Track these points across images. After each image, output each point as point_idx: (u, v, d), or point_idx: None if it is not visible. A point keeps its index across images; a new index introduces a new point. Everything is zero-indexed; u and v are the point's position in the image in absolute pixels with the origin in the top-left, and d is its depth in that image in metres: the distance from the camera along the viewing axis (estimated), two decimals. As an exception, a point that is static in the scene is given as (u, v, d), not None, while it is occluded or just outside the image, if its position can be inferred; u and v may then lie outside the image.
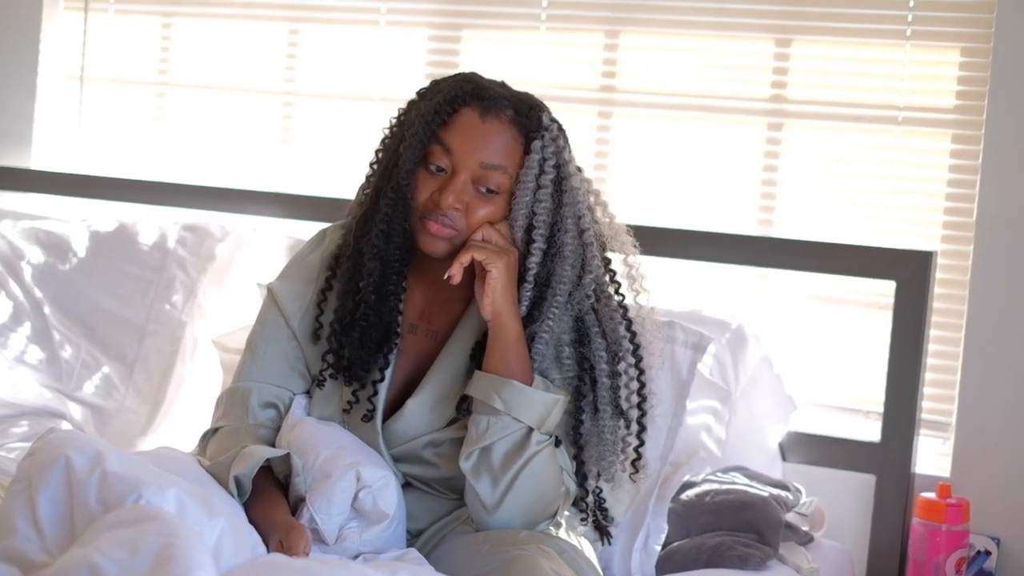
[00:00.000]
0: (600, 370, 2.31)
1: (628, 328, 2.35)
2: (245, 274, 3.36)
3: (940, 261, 3.10)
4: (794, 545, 2.80)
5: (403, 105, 2.40)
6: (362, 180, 2.44)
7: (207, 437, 2.41)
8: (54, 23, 3.91)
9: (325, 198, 3.44)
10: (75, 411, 3.12)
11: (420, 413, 2.34)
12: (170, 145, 3.88)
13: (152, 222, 3.45)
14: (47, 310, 3.27)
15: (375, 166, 2.39)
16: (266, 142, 3.80)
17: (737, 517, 2.68)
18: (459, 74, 2.38)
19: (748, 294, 3.30)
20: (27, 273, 3.32)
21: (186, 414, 3.22)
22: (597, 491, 2.41)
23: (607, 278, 2.37)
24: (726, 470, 2.88)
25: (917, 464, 3.03)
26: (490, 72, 3.46)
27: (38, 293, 3.29)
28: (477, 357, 2.33)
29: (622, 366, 2.34)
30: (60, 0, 3.93)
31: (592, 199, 2.36)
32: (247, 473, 2.17)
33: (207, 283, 3.33)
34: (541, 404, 2.23)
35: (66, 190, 3.75)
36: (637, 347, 2.36)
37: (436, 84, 2.36)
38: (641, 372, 2.36)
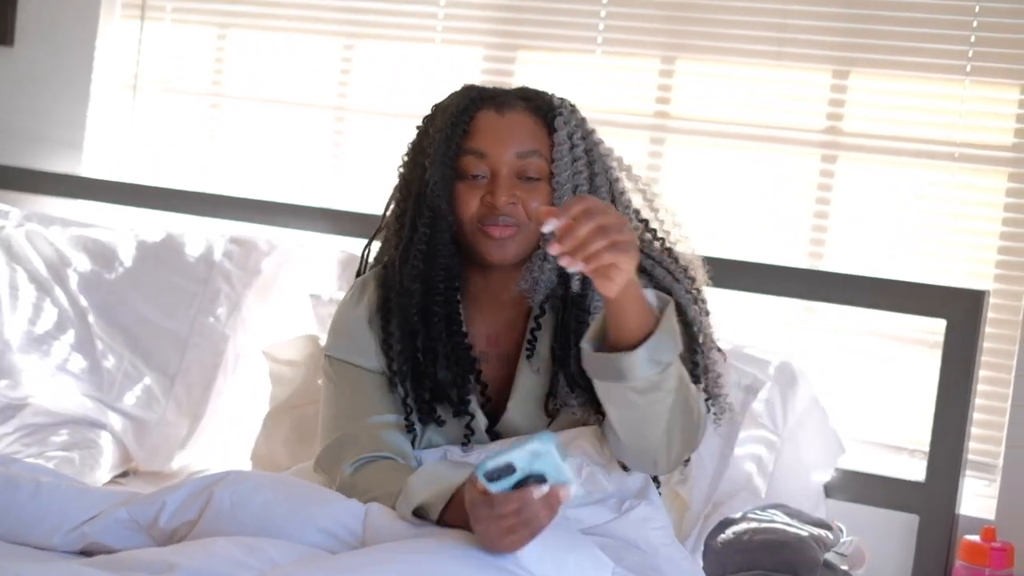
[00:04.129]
0: (693, 311, 2.35)
1: (687, 274, 2.41)
2: (290, 289, 3.35)
3: (992, 300, 3.05)
4: (833, 585, 2.76)
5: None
6: (384, 232, 2.48)
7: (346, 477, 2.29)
8: (110, 30, 3.92)
9: (374, 215, 3.41)
10: (115, 421, 3.12)
11: (521, 417, 2.34)
12: (221, 157, 3.88)
13: (199, 234, 3.45)
14: (91, 319, 3.27)
15: (400, 203, 2.39)
16: (317, 157, 3.79)
17: (773, 556, 2.64)
18: (459, 90, 2.42)
19: (796, 328, 3.26)
20: (73, 281, 3.32)
21: (226, 429, 3.22)
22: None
23: (649, 236, 2.43)
24: (765, 507, 2.84)
25: (962, 505, 2.98)
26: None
27: (83, 301, 3.29)
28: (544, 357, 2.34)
29: (700, 308, 2.40)
30: (117, 7, 3.93)
31: (616, 164, 2.42)
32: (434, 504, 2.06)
33: (252, 297, 3.32)
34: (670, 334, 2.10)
35: (115, 198, 3.76)
36: (699, 291, 2.42)
37: (438, 105, 2.41)
38: (707, 313, 2.42)
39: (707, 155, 3.41)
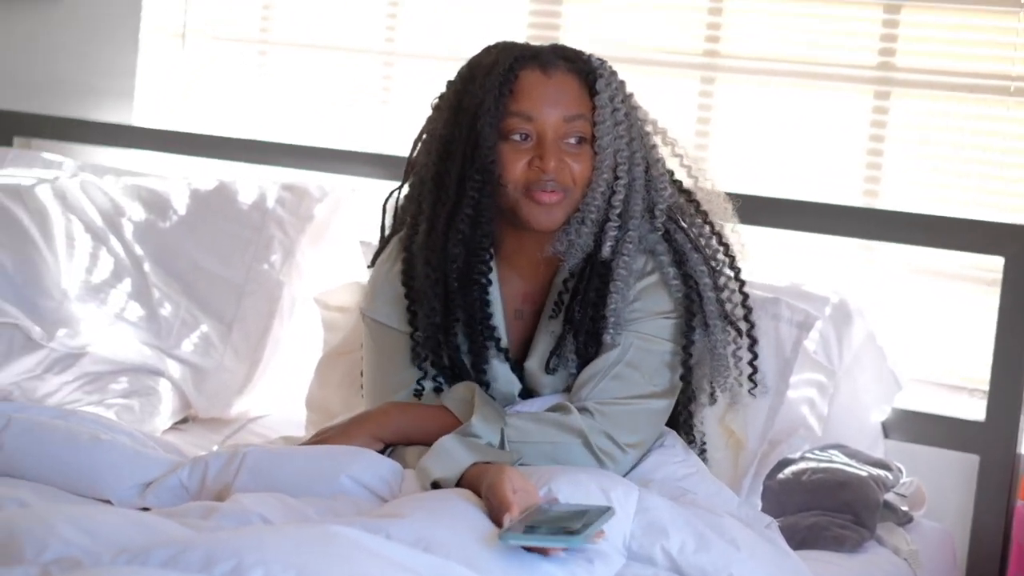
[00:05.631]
0: (703, 284, 2.34)
1: (720, 241, 2.41)
2: (343, 235, 3.36)
3: (1051, 237, 3.02)
4: (892, 526, 2.75)
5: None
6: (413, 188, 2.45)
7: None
8: (157, -21, 3.92)
9: (424, 160, 3.42)
10: (174, 369, 3.14)
11: (540, 375, 2.37)
12: (271, 103, 3.88)
13: (252, 181, 3.45)
14: (147, 267, 3.28)
15: (440, 162, 2.34)
16: (366, 102, 3.78)
17: (833, 497, 2.64)
18: (493, 45, 2.39)
19: (852, 267, 3.24)
20: (128, 230, 3.33)
21: (283, 374, 3.23)
22: (702, 433, 2.47)
23: (683, 200, 2.42)
24: (824, 448, 2.84)
25: (1022, 444, 2.96)
26: (592, 36, 3.44)
27: (138, 250, 3.31)
28: (562, 316, 2.36)
29: (722, 279, 2.39)
30: (163, -44, 3.94)
31: (651, 128, 2.40)
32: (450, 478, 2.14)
33: (305, 243, 3.33)
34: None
35: (167, 147, 3.76)
36: (733, 259, 2.42)
37: (475, 63, 2.37)
38: (742, 284, 2.42)
39: (759, 93, 3.38)
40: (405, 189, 2.52)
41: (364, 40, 3.79)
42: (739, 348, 2.41)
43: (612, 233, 2.30)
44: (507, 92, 2.27)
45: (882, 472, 2.76)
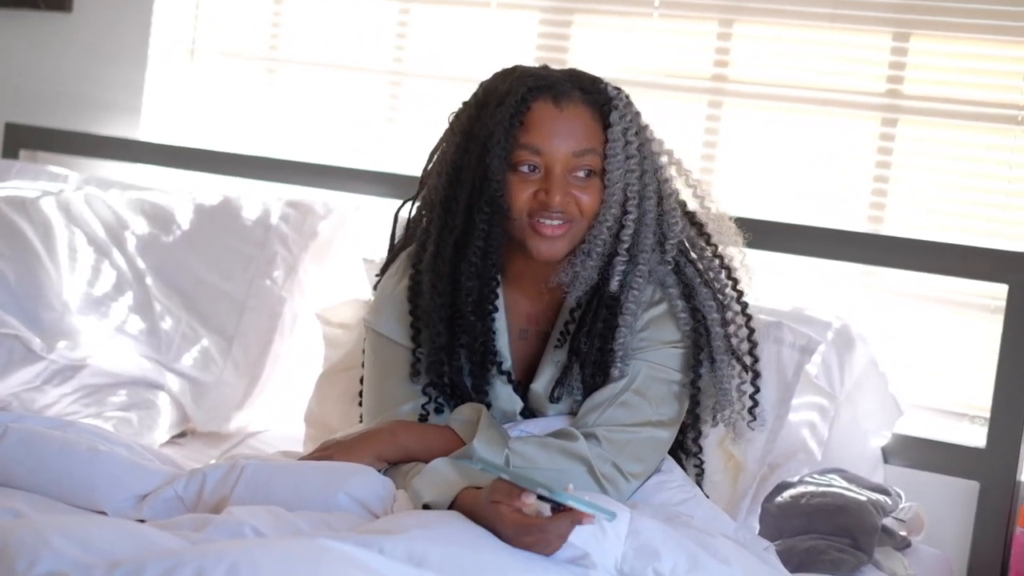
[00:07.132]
0: (712, 319, 2.33)
1: (729, 275, 2.40)
2: (346, 252, 3.36)
3: (1055, 265, 3.02)
4: (890, 550, 2.74)
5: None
6: (423, 205, 2.44)
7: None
8: (167, -5, 3.93)
9: (429, 179, 3.42)
10: (173, 382, 3.13)
11: (545, 400, 2.36)
12: (278, 121, 3.88)
13: (256, 197, 3.45)
14: (149, 281, 3.29)
15: (449, 187, 2.33)
16: (373, 120, 3.79)
17: (831, 521, 2.63)
18: (509, 70, 2.35)
19: (855, 292, 3.23)
20: (131, 243, 3.34)
21: (282, 390, 3.23)
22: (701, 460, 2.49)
23: (694, 232, 2.40)
24: (823, 472, 2.83)
25: (1022, 472, 2.95)
26: (601, 59, 3.44)
27: (141, 264, 3.31)
28: (567, 346, 2.35)
29: (729, 314, 2.38)
30: (174, -28, 3.95)
31: (666, 159, 2.38)
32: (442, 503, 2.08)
33: (308, 260, 3.33)
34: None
35: (173, 162, 3.77)
36: (741, 293, 2.40)
37: (489, 89, 2.33)
38: (749, 318, 2.41)
39: (766, 118, 3.38)
40: (418, 201, 2.51)
41: (372, 59, 3.79)
42: (743, 383, 2.40)
43: (620, 267, 2.28)
44: (518, 124, 2.25)
45: (881, 497, 2.75)
